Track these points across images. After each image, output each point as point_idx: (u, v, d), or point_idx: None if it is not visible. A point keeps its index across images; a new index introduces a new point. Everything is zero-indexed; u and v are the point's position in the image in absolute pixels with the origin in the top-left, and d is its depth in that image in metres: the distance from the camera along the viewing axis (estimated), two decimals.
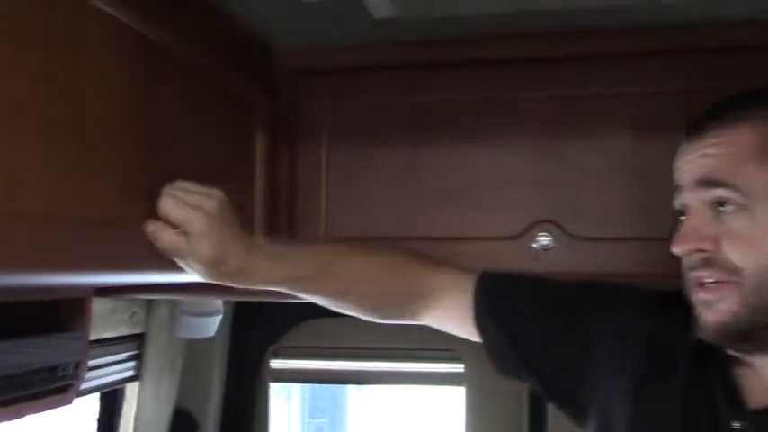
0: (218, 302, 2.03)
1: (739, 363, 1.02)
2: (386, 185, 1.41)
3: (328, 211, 1.43)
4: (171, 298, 1.75)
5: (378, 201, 1.41)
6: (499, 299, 1.18)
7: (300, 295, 1.15)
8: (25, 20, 0.77)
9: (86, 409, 1.99)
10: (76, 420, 2.51)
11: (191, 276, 1.05)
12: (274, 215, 1.40)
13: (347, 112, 1.43)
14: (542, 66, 1.36)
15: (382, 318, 1.23)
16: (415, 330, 1.99)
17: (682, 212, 1.02)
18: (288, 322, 2.30)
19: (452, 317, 1.21)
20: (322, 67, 1.44)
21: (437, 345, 2.13)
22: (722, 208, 0.97)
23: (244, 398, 2.28)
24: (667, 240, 1.01)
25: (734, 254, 0.96)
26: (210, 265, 1.02)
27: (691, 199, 1.00)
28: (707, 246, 0.97)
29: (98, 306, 1.46)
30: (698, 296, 0.99)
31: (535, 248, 1.34)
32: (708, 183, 0.98)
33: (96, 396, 1.85)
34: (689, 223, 0.99)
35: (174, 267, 1.02)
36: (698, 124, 1.02)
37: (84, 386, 1.26)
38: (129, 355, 1.84)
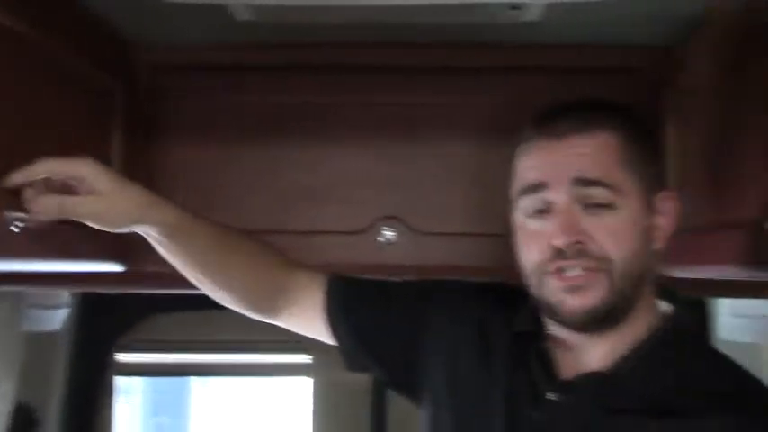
0: (64, 295, 1.99)
1: (555, 343, 1.12)
2: (244, 182, 1.45)
3: (186, 207, 1.45)
4: (16, 289, 1.71)
5: (236, 197, 1.44)
6: (348, 299, 1.25)
7: (180, 253, 1.15)
8: None
9: None
10: None
11: (40, 265, 1.05)
12: None
13: (207, 109, 1.45)
14: (392, 73, 1.45)
15: (252, 309, 1.25)
16: (263, 322, 2.05)
17: (542, 209, 1.06)
18: (135, 316, 2.27)
19: (305, 316, 1.26)
20: (184, 64, 1.45)
21: (284, 336, 2.17)
22: (594, 204, 1.04)
23: (88, 393, 2.23)
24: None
25: (606, 245, 1.03)
26: (110, 201, 1.04)
27: (562, 196, 1.04)
28: (582, 238, 1.03)
29: None
30: (562, 284, 1.05)
31: (381, 242, 1.43)
32: (584, 182, 1.03)
33: None
34: (564, 218, 1.04)
35: (25, 253, 1.02)
36: (556, 125, 1.07)
37: None
38: None
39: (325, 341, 1.27)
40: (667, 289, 1.14)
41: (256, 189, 1.45)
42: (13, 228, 0.98)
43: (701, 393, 1.04)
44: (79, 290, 1.93)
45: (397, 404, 2.21)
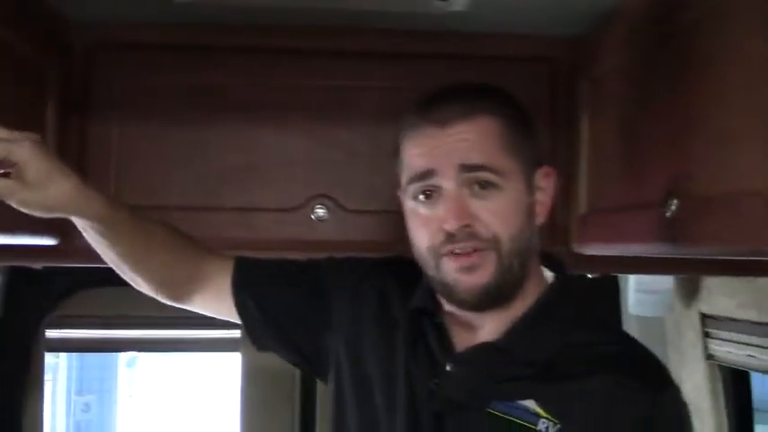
0: None
1: (451, 319, 1.17)
2: (177, 160, 1.46)
3: (118, 184, 1.45)
4: None
5: (170, 175, 1.46)
6: (252, 278, 1.28)
7: (104, 242, 1.16)
8: None
9: None
10: None
11: None
12: None
13: (140, 88, 1.46)
14: (323, 57, 1.49)
15: (168, 296, 1.27)
16: None
17: (431, 194, 1.09)
18: (64, 291, 2.23)
19: (216, 299, 1.28)
20: (118, 42, 1.45)
21: None
22: (481, 188, 1.07)
23: (16, 369, 2.19)
24: None
25: (493, 225, 1.07)
26: (39, 191, 1.04)
27: (450, 182, 1.07)
28: (470, 221, 1.07)
29: None
30: (456, 264, 1.08)
31: (313, 219, 1.48)
32: (470, 167, 1.07)
33: None
34: (453, 203, 1.07)
35: None
36: (440, 112, 1.09)
37: None
38: None
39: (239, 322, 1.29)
40: (554, 260, 1.20)
41: (190, 166, 1.47)
42: None
43: (583, 357, 1.10)
44: (10, 263, 1.91)
45: None
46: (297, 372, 2.34)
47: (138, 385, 8.70)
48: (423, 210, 1.11)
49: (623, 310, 2.01)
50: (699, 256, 1.28)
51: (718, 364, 1.81)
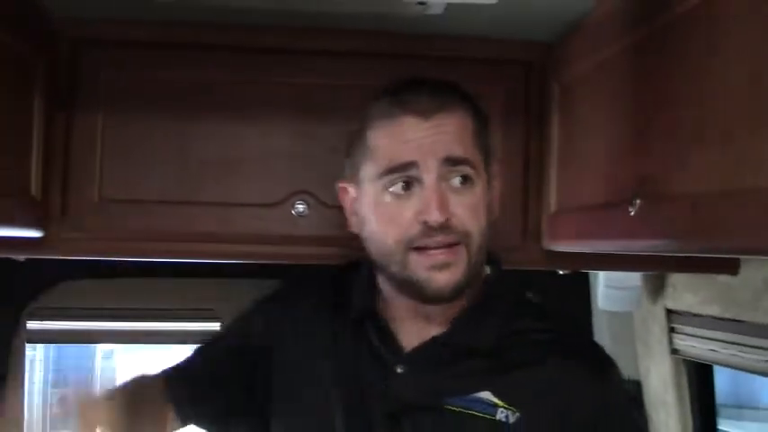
0: None
1: (393, 318, 1.17)
2: (160, 155, 1.48)
3: (103, 178, 1.47)
4: None
5: (152, 169, 1.48)
6: (189, 396, 1.30)
7: None
8: None
9: None
10: None
11: None
12: (50, 179, 1.43)
13: (125, 84, 1.48)
14: (305, 56, 1.52)
15: None
16: (173, 291, 2.09)
17: (407, 186, 1.08)
18: (45, 282, 2.22)
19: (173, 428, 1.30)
20: (103, 37, 1.46)
21: (195, 304, 2.19)
22: (462, 182, 1.07)
23: None
24: None
25: (466, 220, 1.07)
26: None
27: (432, 174, 1.06)
28: (450, 215, 1.06)
29: None
30: (428, 261, 1.07)
31: (293, 215, 1.49)
32: (453, 160, 1.07)
33: None
34: (438, 196, 1.05)
35: None
36: (420, 103, 1.07)
37: None
38: None
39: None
40: (492, 253, 1.20)
41: (172, 161, 1.49)
42: None
43: (530, 345, 1.13)
44: None
45: None
46: None
47: (115, 378, 8.67)
48: (394, 202, 1.09)
49: (593, 305, 2.06)
50: (662, 253, 1.32)
51: (683, 359, 1.86)
